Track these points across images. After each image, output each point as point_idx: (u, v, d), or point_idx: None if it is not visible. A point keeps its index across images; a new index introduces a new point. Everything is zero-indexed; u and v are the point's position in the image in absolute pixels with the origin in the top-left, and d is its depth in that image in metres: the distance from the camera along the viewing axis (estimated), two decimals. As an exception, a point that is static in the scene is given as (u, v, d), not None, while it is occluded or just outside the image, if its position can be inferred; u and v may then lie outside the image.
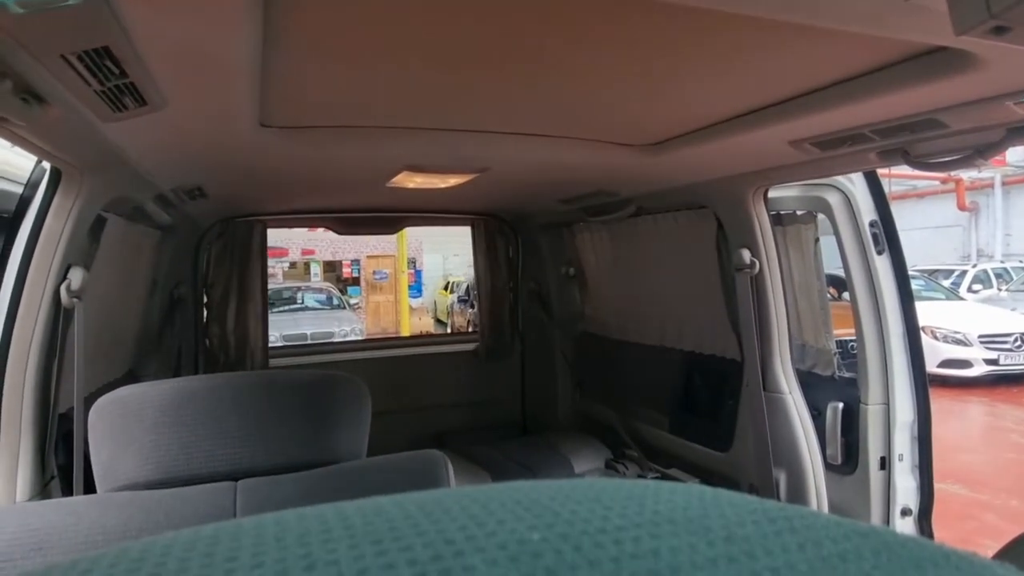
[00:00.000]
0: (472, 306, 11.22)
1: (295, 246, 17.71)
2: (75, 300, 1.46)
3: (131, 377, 2.31)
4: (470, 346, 3.54)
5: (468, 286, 12.59)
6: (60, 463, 1.56)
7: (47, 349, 1.45)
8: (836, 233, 1.96)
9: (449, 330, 14.25)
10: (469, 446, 3.06)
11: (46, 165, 1.43)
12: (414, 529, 0.22)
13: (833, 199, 1.95)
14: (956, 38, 0.51)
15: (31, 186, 1.45)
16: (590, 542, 0.21)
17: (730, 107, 1.36)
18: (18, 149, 1.31)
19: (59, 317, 1.47)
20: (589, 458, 2.99)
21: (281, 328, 10.40)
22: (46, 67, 0.86)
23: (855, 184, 1.93)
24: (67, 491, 1.55)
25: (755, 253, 2.04)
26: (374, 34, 0.95)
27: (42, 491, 1.47)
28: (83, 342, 1.52)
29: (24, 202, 1.44)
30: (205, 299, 2.97)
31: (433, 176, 1.92)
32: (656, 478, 2.74)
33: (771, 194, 2.04)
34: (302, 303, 12.68)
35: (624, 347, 2.99)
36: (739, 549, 0.20)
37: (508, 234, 3.40)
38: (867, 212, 1.92)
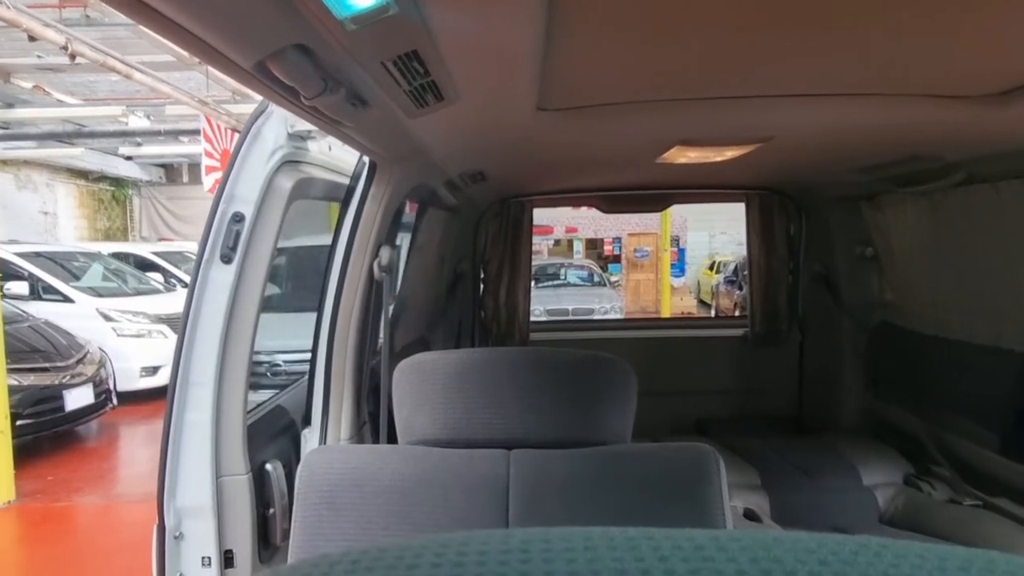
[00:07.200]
0: (740, 288, 10.50)
1: (560, 224, 18.58)
2: (384, 274, 1.71)
3: (422, 341, 2.65)
4: (738, 331, 3.30)
5: (737, 266, 11.78)
6: (370, 410, 1.85)
7: (363, 314, 1.72)
8: None
9: (713, 313, 13.62)
10: (734, 438, 2.87)
11: (365, 159, 1.68)
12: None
13: None
14: None
15: (354, 178, 1.71)
16: None
17: None
18: (348, 148, 1.56)
19: (371, 288, 1.73)
20: (882, 470, 2.57)
21: (544, 303, 11.03)
22: (370, 74, 0.98)
23: None
24: (374, 435, 1.83)
25: None
26: (654, 5, 0.88)
27: (358, 433, 1.76)
28: (389, 310, 1.77)
29: (349, 192, 1.71)
30: (482, 274, 3.26)
31: (708, 149, 1.78)
32: (975, 506, 2.26)
33: None
34: (564, 279, 13.26)
35: (940, 344, 2.47)
36: None
37: (790, 209, 3.06)
38: None
